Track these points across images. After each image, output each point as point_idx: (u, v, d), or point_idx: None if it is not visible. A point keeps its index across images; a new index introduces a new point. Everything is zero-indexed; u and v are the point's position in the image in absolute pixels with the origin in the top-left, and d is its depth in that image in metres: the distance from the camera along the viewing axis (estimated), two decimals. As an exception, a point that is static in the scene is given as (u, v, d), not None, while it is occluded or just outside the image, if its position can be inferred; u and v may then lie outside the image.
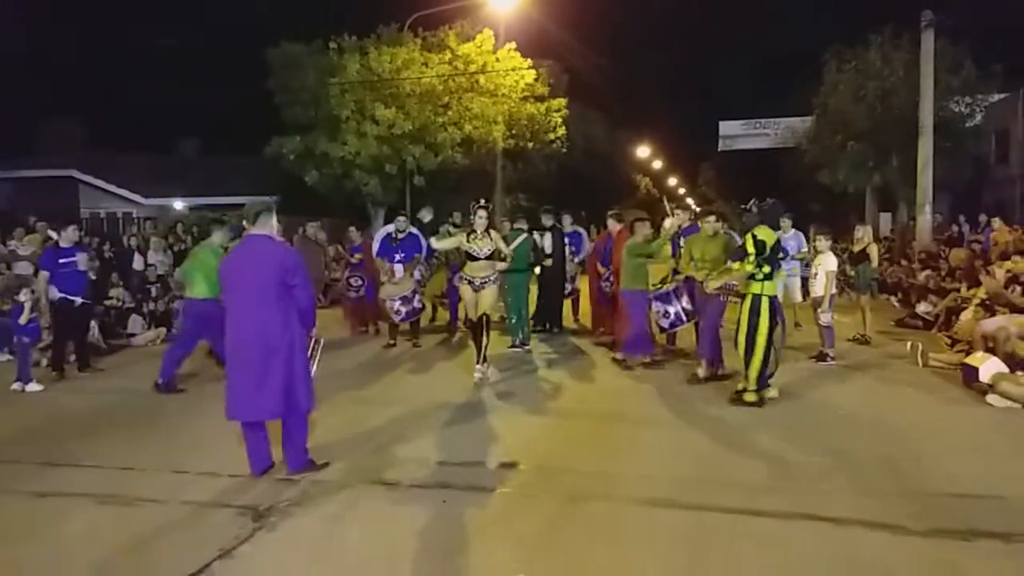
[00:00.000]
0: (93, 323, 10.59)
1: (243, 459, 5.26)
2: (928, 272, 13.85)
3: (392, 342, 10.57)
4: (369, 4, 22.45)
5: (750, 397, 6.97)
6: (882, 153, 21.61)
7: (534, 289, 11.05)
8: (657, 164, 53.67)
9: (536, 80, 22.77)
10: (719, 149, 35.02)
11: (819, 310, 9.00)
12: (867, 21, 22.23)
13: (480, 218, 8.23)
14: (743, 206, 7.67)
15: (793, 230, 11.52)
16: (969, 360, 7.79)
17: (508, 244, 10.32)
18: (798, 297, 11.36)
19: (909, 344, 9.28)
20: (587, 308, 11.59)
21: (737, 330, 7.06)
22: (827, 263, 9.09)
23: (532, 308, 10.80)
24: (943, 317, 11.07)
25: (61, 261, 8.75)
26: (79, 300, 8.90)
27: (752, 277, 6.94)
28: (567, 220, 11.93)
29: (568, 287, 11.68)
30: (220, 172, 26.67)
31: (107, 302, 11.79)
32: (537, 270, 10.95)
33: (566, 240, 11.43)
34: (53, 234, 10.91)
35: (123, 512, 4.74)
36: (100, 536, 4.38)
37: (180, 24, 43.81)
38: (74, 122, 28.69)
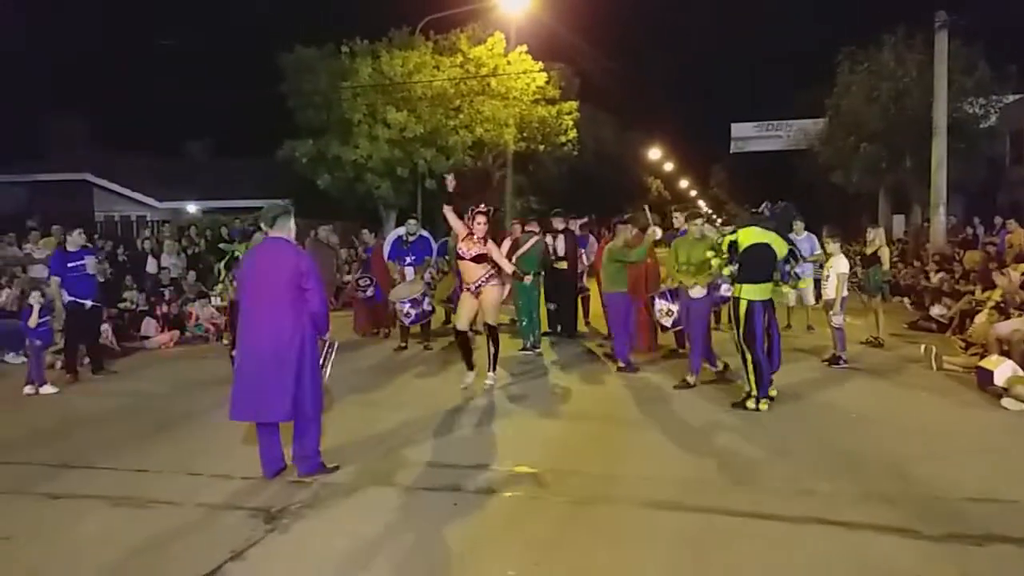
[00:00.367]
0: (107, 326, 10.69)
1: (255, 461, 5.29)
2: (942, 274, 13.75)
3: (403, 345, 10.60)
4: (381, 8, 22.61)
5: (750, 403, 6.99)
6: (895, 154, 21.46)
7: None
8: (669, 166, 53.59)
9: (547, 83, 22.79)
10: (731, 151, 34.86)
11: (831, 312, 8.97)
12: (880, 22, 22.02)
13: (479, 225, 7.73)
14: (754, 209, 7.66)
15: (806, 232, 11.48)
16: (984, 363, 7.73)
17: (520, 247, 10.38)
18: (811, 300, 11.31)
19: (923, 347, 9.21)
20: (597, 310, 11.57)
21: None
22: (838, 265, 9.05)
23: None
24: (957, 320, 10.99)
25: (69, 265, 8.82)
26: (89, 303, 8.96)
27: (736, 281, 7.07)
28: (575, 225, 11.92)
29: (578, 284, 11.67)
30: (232, 175, 26.81)
31: (121, 305, 11.89)
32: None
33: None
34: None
35: (137, 514, 4.78)
36: (113, 538, 4.41)
37: (188, 25, 44.04)
38: (79, 123, 28.54)
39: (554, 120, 23.33)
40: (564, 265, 11.02)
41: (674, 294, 8.55)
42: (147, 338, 11.63)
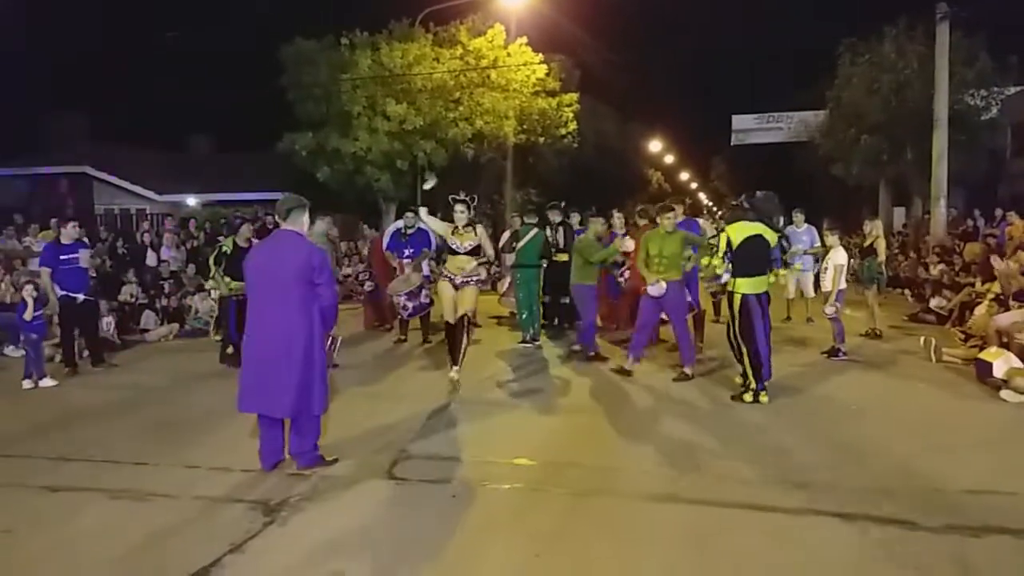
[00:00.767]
0: (109, 319, 10.69)
1: (254, 454, 5.29)
2: (942, 267, 13.74)
3: (403, 338, 10.60)
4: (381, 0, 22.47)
5: (748, 396, 7.00)
6: (896, 146, 21.40)
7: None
8: (669, 159, 53.46)
9: (547, 75, 22.71)
10: (732, 143, 34.75)
11: (826, 303, 8.97)
12: (882, 14, 21.89)
13: (459, 213, 7.62)
14: (734, 203, 7.60)
15: (807, 225, 11.47)
16: (983, 355, 7.73)
17: (519, 239, 10.37)
18: (811, 292, 11.31)
19: (922, 339, 9.22)
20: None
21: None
22: (836, 257, 9.05)
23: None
24: (957, 312, 10.99)
25: (62, 258, 8.78)
26: (81, 297, 8.93)
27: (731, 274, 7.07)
28: (575, 219, 11.88)
29: None
30: (232, 168, 26.77)
31: (120, 298, 11.89)
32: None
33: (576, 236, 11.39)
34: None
35: (136, 507, 4.78)
36: (112, 531, 4.42)
37: (189, 19, 43.92)
38: (80, 119, 28.58)
39: (554, 112, 23.22)
40: (564, 257, 10.99)
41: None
42: (147, 331, 11.64)
